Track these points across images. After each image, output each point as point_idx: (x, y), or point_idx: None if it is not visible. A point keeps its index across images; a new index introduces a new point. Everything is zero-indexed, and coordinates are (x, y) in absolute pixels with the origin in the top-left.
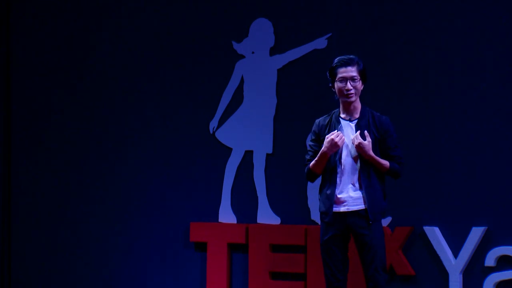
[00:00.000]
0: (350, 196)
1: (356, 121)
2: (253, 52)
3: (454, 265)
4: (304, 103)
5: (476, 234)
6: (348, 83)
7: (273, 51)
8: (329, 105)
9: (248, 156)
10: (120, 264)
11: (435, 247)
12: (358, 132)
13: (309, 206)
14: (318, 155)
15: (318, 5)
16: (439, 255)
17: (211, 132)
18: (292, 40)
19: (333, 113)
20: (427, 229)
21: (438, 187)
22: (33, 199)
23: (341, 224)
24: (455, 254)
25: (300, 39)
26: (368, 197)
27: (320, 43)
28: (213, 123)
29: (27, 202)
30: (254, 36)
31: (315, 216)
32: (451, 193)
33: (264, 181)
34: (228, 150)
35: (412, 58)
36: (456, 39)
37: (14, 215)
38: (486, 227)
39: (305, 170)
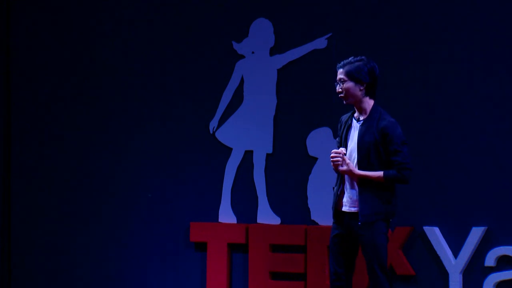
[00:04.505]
0: (349, 197)
1: (362, 122)
2: (253, 52)
3: (454, 265)
4: (304, 103)
5: (476, 234)
6: (337, 85)
7: (273, 51)
8: (329, 105)
9: (248, 156)
10: (120, 264)
11: (435, 247)
12: (345, 158)
13: (309, 206)
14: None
15: (318, 5)
16: (439, 255)
17: (211, 132)
18: (292, 40)
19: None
20: (427, 229)
21: (438, 187)
22: (33, 199)
23: (343, 223)
24: (455, 254)
25: (300, 39)
26: (360, 199)
27: (320, 43)
28: (213, 123)
29: (27, 202)
30: (254, 36)
31: (315, 216)
32: (451, 193)
33: (264, 181)
34: (228, 150)
35: (412, 58)
36: (458, 39)
37: (14, 215)
38: (486, 227)
39: None
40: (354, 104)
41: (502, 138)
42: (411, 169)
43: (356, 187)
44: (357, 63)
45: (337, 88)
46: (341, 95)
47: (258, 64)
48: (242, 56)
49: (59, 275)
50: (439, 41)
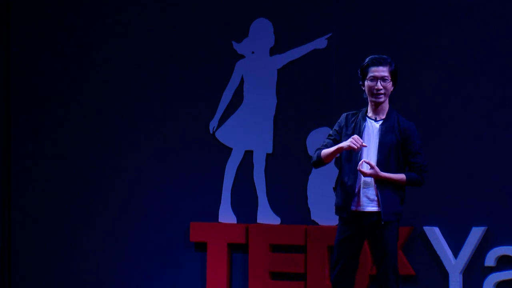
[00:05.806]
0: (366, 196)
1: (381, 121)
2: (253, 52)
3: (454, 265)
4: (304, 103)
5: (476, 234)
6: (379, 82)
7: (273, 51)
8: (329, 105)
9: (248, 156)
10: (120, 264)
11: (435, 247)
12: (362, 161)
13: (309, 206)
14: (335, 146)
15: (318, 5)
16: (439, 255)
17: (211, 132)
18: (292, 40)
19: (360, 111)
20: (427, 229)
21: (438, 187)
22: (33, 199)
23: (357, 223)
24: (455, 254)
25: (300, 39)
26: (382, 199)
27: (320, 43)
28: (213, 123)
29: (27, 202)
30: (254, 36)
31: (315, 216)
32: (451, 193)
33: (264, 181)
34: (228, 150)
35: (412, 58)
36: (458, 39)
37: (14, 215)
38: (486, 227)
39: (315, 154)
40: (377, 104)
41: (502, 138)
42: (428, 172)
43: (374, 186)
44: (394, 65)
45: (377, 85)
46: (381, 91)
47: (258, 64)
48: (242, 56)
49: (59, 275)
50: (440, 40)
